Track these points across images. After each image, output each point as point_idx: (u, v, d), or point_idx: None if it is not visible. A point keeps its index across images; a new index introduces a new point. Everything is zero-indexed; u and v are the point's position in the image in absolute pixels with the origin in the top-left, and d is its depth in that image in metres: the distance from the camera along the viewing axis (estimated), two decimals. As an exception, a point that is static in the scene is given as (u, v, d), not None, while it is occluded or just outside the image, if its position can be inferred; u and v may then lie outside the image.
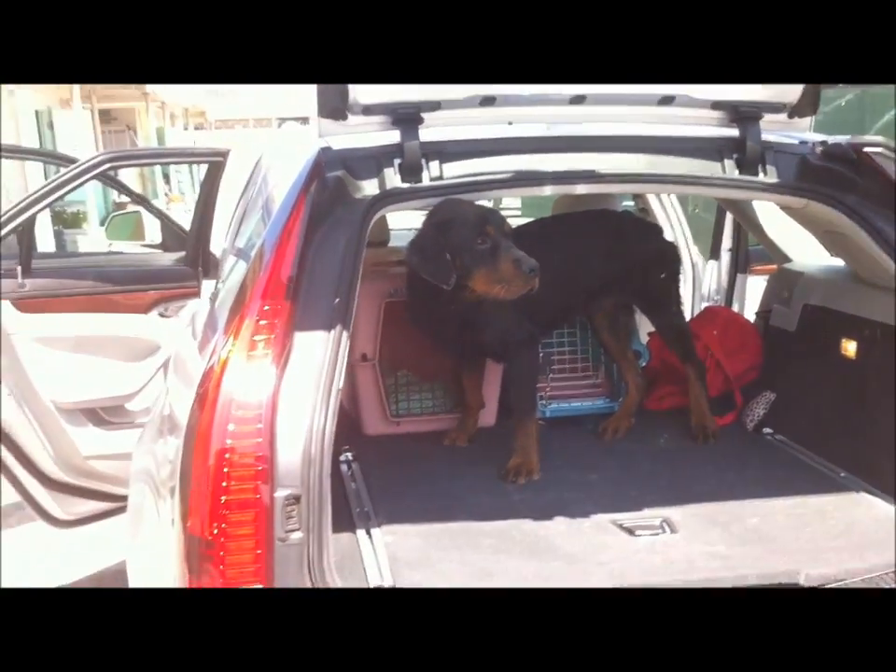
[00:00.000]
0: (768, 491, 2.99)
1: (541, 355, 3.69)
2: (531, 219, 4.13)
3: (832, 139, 3.00)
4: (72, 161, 5.00)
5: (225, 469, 2.14)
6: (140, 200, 6.15)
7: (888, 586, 2.38)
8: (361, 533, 2.72)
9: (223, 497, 2.13)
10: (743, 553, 2.58)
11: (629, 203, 5.06)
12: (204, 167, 5.00)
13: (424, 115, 2.72)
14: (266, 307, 2.29)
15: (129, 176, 16.79)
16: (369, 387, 3.66)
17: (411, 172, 2.70)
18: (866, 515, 2.84)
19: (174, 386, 3.00)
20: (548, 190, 2.92)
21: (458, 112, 2.77)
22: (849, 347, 3.39)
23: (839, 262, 3.63)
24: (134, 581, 2.74)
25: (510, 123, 2.85)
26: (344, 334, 2.35)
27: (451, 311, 3.20)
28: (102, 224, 8.42)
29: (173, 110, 25.83)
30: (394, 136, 2.72)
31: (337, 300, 2.38)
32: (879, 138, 4.02)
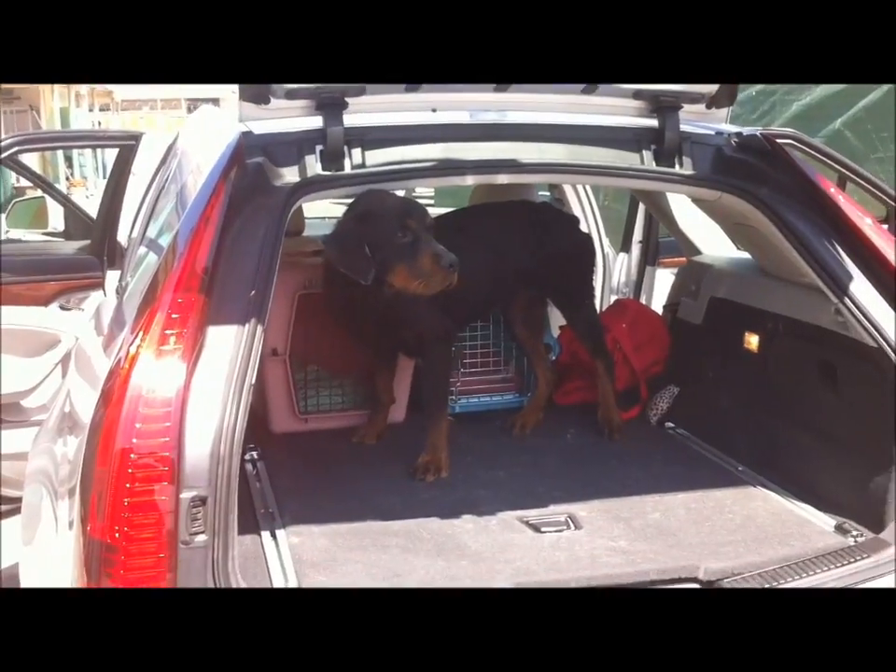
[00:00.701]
0: (670, 485, 3.06)
1: (453, 349, 3.69)
2: (445, 209, 4.13)
3: (746, 130, 3.06)
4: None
5: (129, 470, 2.08)
6: (45, 185, 5.95)
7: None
8: (266, 534, 2.69)
9: (126, 500, 2.07)
10: (644, 548, 2.64)
11: (545, 193, 5.10)
12: (110, 150, 4.85)
13: (348, 100, 2.68)
14: (179, 300, 2.23)
15: (30, 159, 16.25)
16: (278, 383, 3.61)
17: (333, 159, 2.67)
18: (763, 509, 2.92)
19: (75, 383, 2.92)
20: (470, 180, 2.94)
21: (383, 97, 2.74)
22: (752, 341, 3.48)
23: (747, 255, 3.71)
24: (28, 586, 2.66)
25: (433, 110, 2.83)
26: (259, 328, 2.31)
27: (368, 305, 3.17)
28: (1, 211, 8.15)
29: (78, 90, 25.06)
30: (316, 122, 2.68)
31: (253, 292, 2.34)
32: (790, 130, 4.15)
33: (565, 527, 2.79)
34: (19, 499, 3.07)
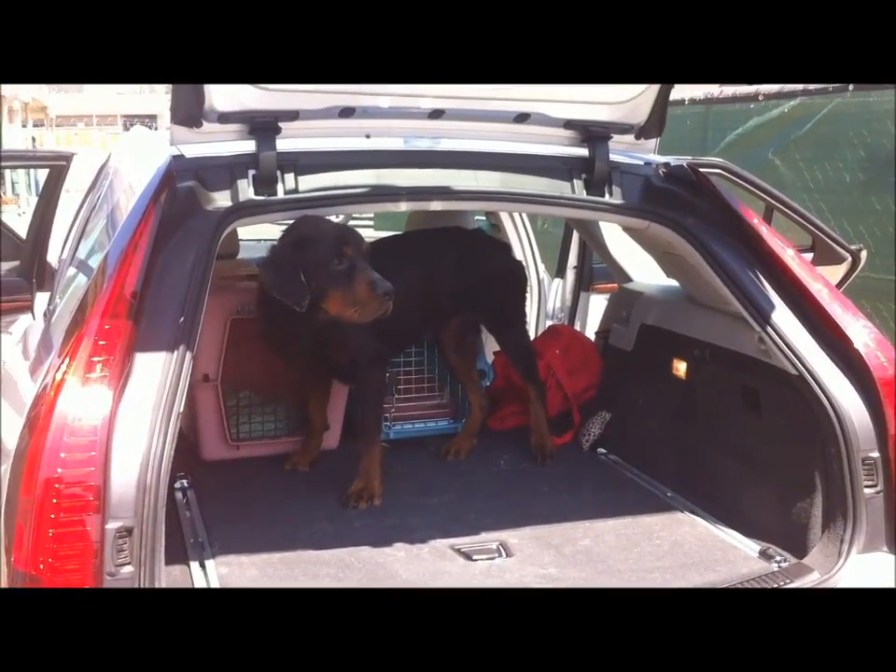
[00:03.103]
0: (599, 511, 3.11)
1: (387, 375, 3.69)
2: (384, 232, 4.13)
3: (674, 160, 3.13)
4: None
5: (54, 500, 2.05)
6: (-30, 204, 5.83)
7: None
8: (195, 564, 2.67)
9: (51, 530, 2.04)
10: (574, 574, 2.67)
11: (481, 219, 5.14)
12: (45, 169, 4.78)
13: (281, 125, 2.68)
14: (107, 326, 2.21)
15: (-41, 174, 15.93)
16: (209, 409, 3.58)
17: (265, 184, 2.67)
18: (690, 534, 2.98)
19: (1, 409, 2.87)
20: (403, 206, 2.96)
21: (316, 123, 2.74)
22: (680, 367, 3.54)
23: (676, 284, 3.79)
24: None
25: (367, 136, 2.85)
26: (188, 355, 2.30)
27: (302, 329, 3.16)
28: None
29: (11, 105, 24.61)
30: (249, 146, 2.67)
31: (182, 318, 2.32)
32: (718, 160, 4.24)
33: (496, 555, 2.81)
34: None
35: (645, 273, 4.21)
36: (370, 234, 3.46)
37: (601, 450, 3.78)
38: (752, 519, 2.98)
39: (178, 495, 3.18)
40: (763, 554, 2.80)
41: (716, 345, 3.31)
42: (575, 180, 2.98)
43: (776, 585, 2.59)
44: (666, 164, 3.11)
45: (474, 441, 3.77)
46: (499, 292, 3.73)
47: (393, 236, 4.04)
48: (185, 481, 3.25)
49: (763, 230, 2.99)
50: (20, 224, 5.17)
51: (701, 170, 3.16)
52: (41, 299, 4.05)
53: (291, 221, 3.09)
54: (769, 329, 2.84)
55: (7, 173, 20.61)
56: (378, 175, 2.81)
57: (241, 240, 4.16)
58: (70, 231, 4.04)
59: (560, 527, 2.99)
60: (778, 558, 2.76)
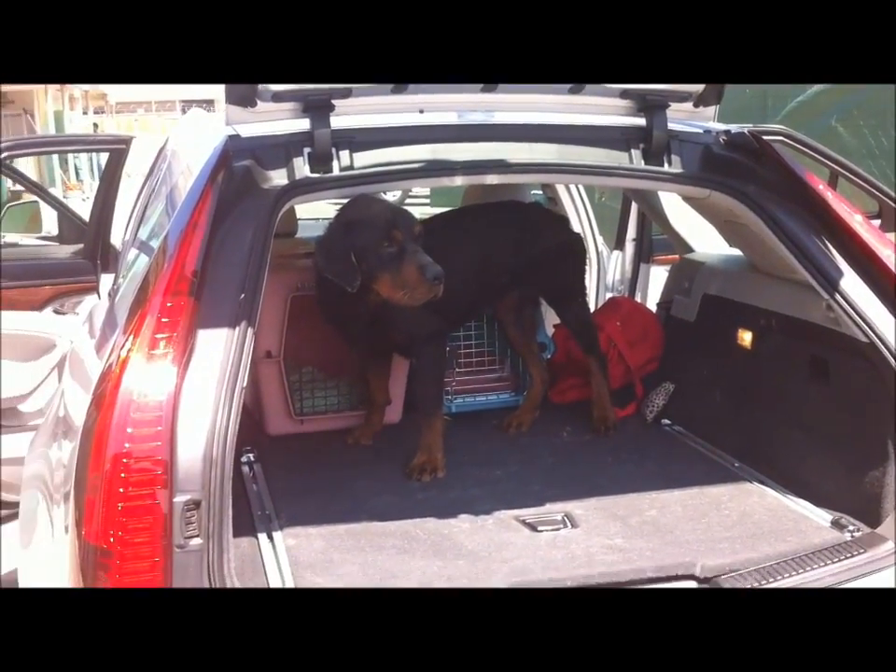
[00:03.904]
0: (665, 482, 3.07)
1: (447, 349, 3.68)
2: (441, 208, 4.13)
3: (734, 128, 3.06)
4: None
5: (122, 475, 2.07)
6: (37, 189, 5.94)
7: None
8: (263, 537, 2.69)
9: (120, 504, 2.06)
10: (641, 545, 2.64)
11: (538, 193, 5.10)
12: (106, 153, 4.86)
13: (335, 102, 2.67)
14: (169, 304, 2.22)
15: (25, 163, 16.22)
16: (272, 385, 3.61)
17: (321, 161, 2.66)
18: (759, 505, 2.92)
19: (69, 387, 2.92)
20: (459, 180, 2.92)
21: (370, 99, 2.73)
22: (745, 337, 3.48)
23: (739, 253, 3.72)
24: (27, 590, 2.67)
25: (421, 111, 2.83)
26: (249, 331, 2.31)
27: (361, 307, 3.17)
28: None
29: (72, 92, 25.02)
30: (304, 124, 2.67)
31: (242, 295, 2.33)
32: (780, 127, 4.16)
33: (561, 526, 2.79)
34: (17, 504, 3.06)
35: (706, 243, 4.15)
36: (426, 211, 3.44)
37: (665, 421, 3.73)
38: (822, 489, 2.92)
39: (245, 468, 3.21)
40: (836, 524, 2.74)
41: (782, 314, 3.25)
42: (633, 150, 2.93)
43: (849, 555, 2.53)
44: (727, 132, 3.04)
45: (536, 413, 3.75)
46: (558, 265, 3.69)
47: (449, 212, 4.03)
48: (251, 455, 3.28)
49: (829, 195, 2.91)
50: (84, 209, 5.26)
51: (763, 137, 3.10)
52: (106, 280, 4.12)
53: (346, 200, 3.10)
54: (838, 296, 2.77)
55: (71, 159, 21.01)
56: (433, 150, 2.79)
57: (299, 219, 4.20)
58: (132, 214, 4.10)
59: (625, 498, 2.96)
60: (851, 528, 2.70)
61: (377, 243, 2.98)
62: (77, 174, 21.65)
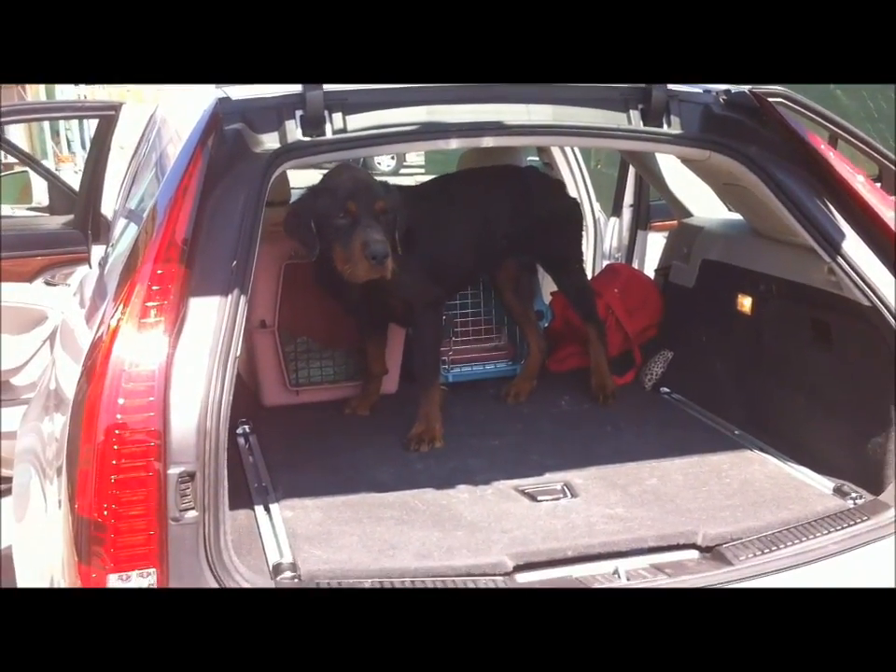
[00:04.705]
0: (666, 451, 3.04)
1: (444, 318, 3.64)
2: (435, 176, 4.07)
3: (735, 88, 3.00)
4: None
5: (115, 447, 2.03)
6: (28, 159, 5.86)
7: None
8: (259, 508, 2.66)
9: (113, 476, 2.02)
10: (642, 514, 2.61)
11: (534, 159, 5.04)
12: (96, 124, 4.78)
13: None
14: (159, 271, 2.17)
15: (17, 135, 16.06)
16: (267, 355, 3.57)
17: (313, 124, 2.60)
18: (760, 473, 2.90)
19: (60, 359, 2.88)
20: (454, 143, 2.86)
21: None
22: (745, 302, 3.44)
23: (738, 217, 3.67)
24: (21, 566, 2.63)
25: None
26: (242, 299, 2.26)
27: None
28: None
29: (61, 64, 24.69)
30: (296, 86, 2.60)
31: (235, 262, 2.28)
32: (780, 88, 4.09)
33: (561, 495, 2.77)
34: (9, 479, 3.02)
35: (703, 207, 4.10)
36: (421, 180, 3.39)
37: (664, 389, 3.70)
38: (825, 456, 2.89)
39: (241, 440, 3.18)
40: (838, 491, 2.71)
41: (783, 279, 3.20)
42: (631, 111, 2.86)
43: (852, 523, 2.50)
44: (727, 91, 2.98)
45: (534, 382, 3.72)
46: (555, 231, 3.65)
47: (444, 175, 3.97)
48: (247, 426, 3.25)
49: (831, 156, 2.86)
50: (76, 181, 5.18)
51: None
52: (97, 250, 4.06)
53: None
54: (840, 259, 2.72)
55: (63, 131, 20.83)
56: (428, 111, 2.72)
57: (292, 188, 4.14)
58: (122, 183, 4.04)
59: (625, 467, 2.93)
60: (854, 495, 2.67)
61: (333, 213, 2.98)
62: (69, 145, 21.45)
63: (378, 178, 3.36)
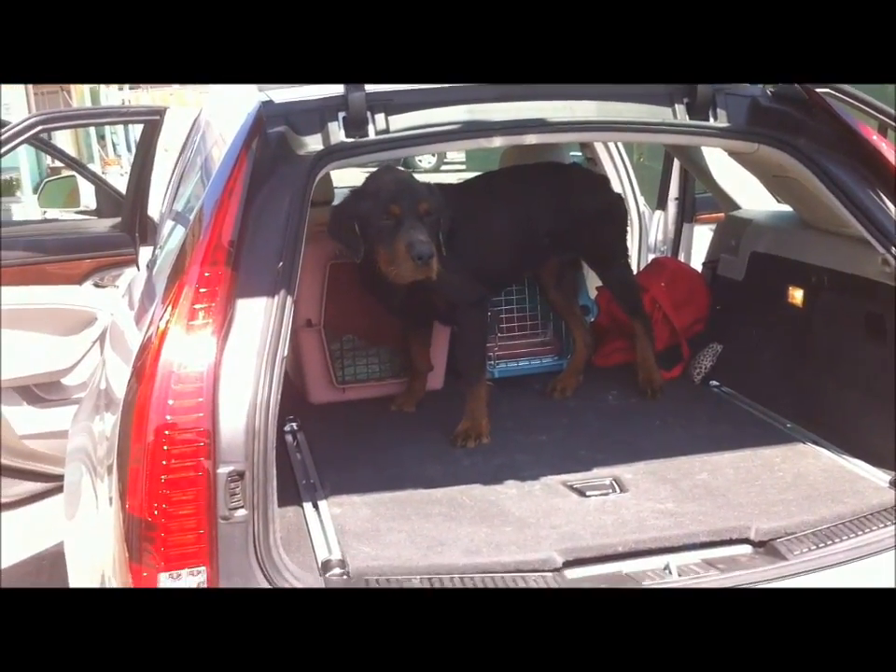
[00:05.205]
0: (716, 445, 3.00)
1: (489, 314, 3.62)
2: (477, 173, 4.06)
3: None
4: (2, 124, 4.80)
5: (165, 447, 2.05)
6: (74, 164, 5.94)
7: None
8: (308, 506, 2.67)
9: (163, 476, 2.04)
10: (693, 509, 2.58)
11: (577, 154, 5.01)
12: (141, 128, 4.84)
13: None
14: (206, 273, 2.19)
15: (63, 139, 16.31)
16: (313, 354, 3.58)
17: (356, 125, 2.61)
18: (814, 466, 2.85)
19: (109, 360, 2.91)
20: (497, 142, 2.85)
21: None
22: (796, 295, 3.39)
23: (787, 209, 3.61)
24: (73, 564, 2.67)
25: None
26: (289, 300, 2.27)
27: None
28: (35, 191, 8.15)
29: (107, 69, 24.97)
30: (338, 88, 2.62)
31: (281, 263, 2.30)
32: (829, 78, 4.02)
33: (610, 491, 2.74)
34: (62, 477, 3.07)
35: (751, 199, 4.05)
36: (462, 177, 3.38)
37: (713, 383, 3.65)
38: (879, 449, 2.82)
39: (288, 438, 3.19)
40: (895, 484, 2.66)
41: (835, 270, 3.15)
42: (676, 105, 2.83)
43: (911, 517, 2.46)
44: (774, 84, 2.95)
45: (580, 377, 3.69)
46: (600, 226, 3.62)
47: (487, 173, 3.95)
48: (294, 424, 3.26)
49: (884, 146, 2.81)
50: (123, 184, 5.25)
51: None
52: (145, 252, 4.11)
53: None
54: (894, 249, 2.67)
55: (109, 135, 21.12)
56: (470, 110, 2.72)
57: (336, 187, 4.15)
58: (168, 186, 4.08)
59: (675, 462, 2.89)
60: (910, 488, 2.62)
61: (376, 215, 2.98)
62: (115, 149, 21.75)
63: (420, 177, 3.36)
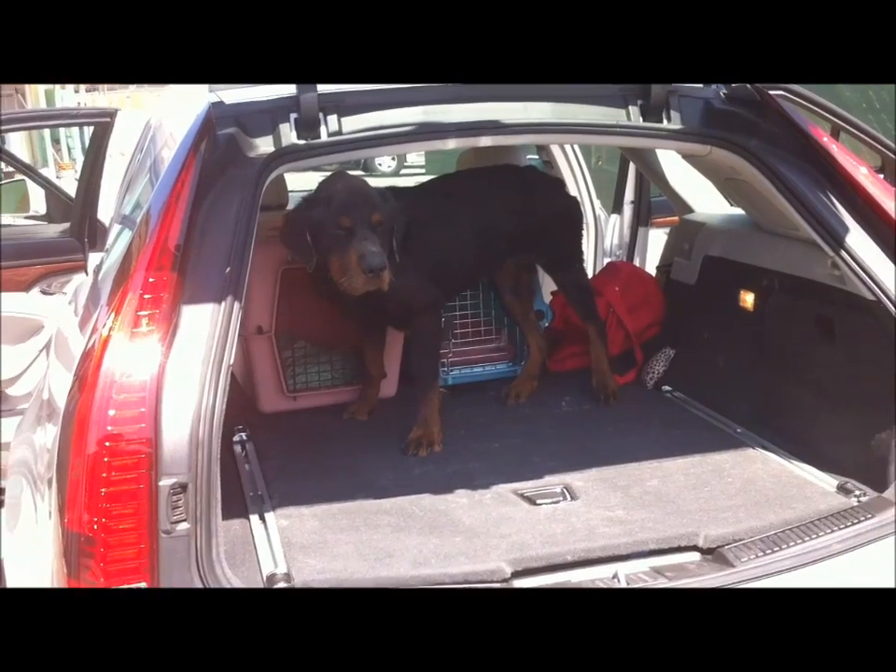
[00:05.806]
0: (667, 450, 3.00)
1: (443, 320, 3.61)
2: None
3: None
4: (-56, 128, 4.71)
5: (105, 459, 2.01)
6: (24, 167, 5.83)
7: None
8: (255, 518, 2.63)
9: (103, 489, 2.00)
10: (643, 516, 2.57)
11: (534, 157, 5.00)
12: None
13: None
14: (151, 279, 2.15)
15: (17, 142, 16.08)
16: (264, 361, 3.53)
17: (308, 127, 2.58)
18: (763, 471, 2.86)
19: (53, 368, 2.85)
20: (452, 143, 2.83)
21: None
22: (748, 299, 3.41)
23: (740, 212, 3.63)
24: (12, 580, 2.60)
25: None
26: (236, 306, 2.23)
27: None
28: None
29: (62, 71, 24.62)
30: (290, 89, 2.58)
31: (228, 269, 2.26)
32: (781, 81, 4.05)
33: (561, 499, 2.73)
34: (3, 490, 3.00)
35: (705, 203, 4.06)
36: (421, 181, 3.35)
37: (666, 388, 3.66)
38: (828, 453, 2.85)
39: (237, 448, 3.14)
40: (842, 489, 2.68)
41: (785, 274, 3.17)
42: (630, 107, 2.83)
43: (856, 521, 2.46)
44: (728, 85, 2.95)
45: (534, 383, 3.68)
46: (555, 230, 3.61)
47: (443, 176, 3.93)
48: (243, 434, 3.21)
49: (834, 148, 2.82)
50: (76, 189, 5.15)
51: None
52: (94, 258, 4.04)
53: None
54: (843, 252, 2.69)
55: (64, 139, 20.85)
56: (425, 111, 2.69)
57: (290, 191, 4.11)
58: (119, 190, 4.02)
59: (626, 468, 2.89)
60: (857, 492, 2.63)
61: (328, 225, 2.94)
62: (70, 152, 21.46)
63: (379, 182, 3.32)
